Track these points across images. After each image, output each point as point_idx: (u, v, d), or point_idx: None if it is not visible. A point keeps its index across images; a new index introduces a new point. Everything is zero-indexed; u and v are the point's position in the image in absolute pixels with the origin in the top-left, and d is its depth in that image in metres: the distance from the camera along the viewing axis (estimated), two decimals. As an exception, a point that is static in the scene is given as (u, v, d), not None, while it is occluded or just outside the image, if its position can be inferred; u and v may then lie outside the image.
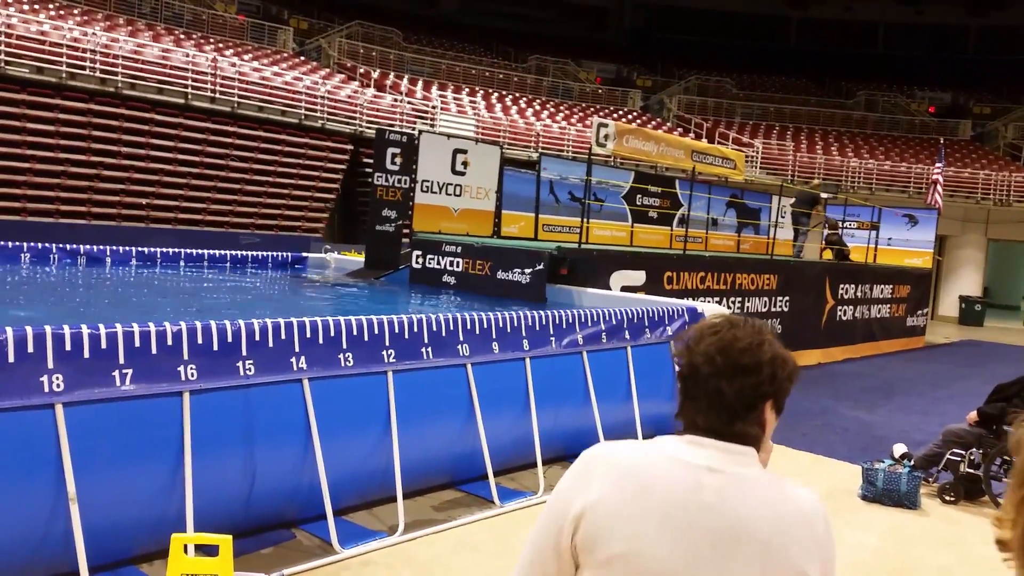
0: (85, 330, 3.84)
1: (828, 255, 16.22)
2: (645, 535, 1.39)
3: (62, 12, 18.23)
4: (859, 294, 14.30)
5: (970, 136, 29.22)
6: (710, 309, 7.86)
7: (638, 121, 26.25)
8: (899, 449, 6.48)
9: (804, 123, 29.69)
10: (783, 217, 16.26)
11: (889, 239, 17.66)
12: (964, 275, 25.05)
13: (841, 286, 13.68)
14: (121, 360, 3.92)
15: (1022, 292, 26.97)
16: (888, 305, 15.50)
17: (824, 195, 16.65)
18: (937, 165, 19.43)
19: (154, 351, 4.03)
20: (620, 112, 27.36)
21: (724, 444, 1.45)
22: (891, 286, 15.57)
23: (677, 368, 1.56)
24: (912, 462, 6.20)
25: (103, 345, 3.88)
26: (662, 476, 1.44)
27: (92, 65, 15.54)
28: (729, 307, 10.45)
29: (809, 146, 27.46)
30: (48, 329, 3.74)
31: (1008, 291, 30.00)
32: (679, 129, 27.20)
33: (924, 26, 33.19)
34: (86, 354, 3.82)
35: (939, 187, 19.04)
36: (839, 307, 13.67)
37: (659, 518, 1.40)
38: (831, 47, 34.00)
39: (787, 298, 12.12)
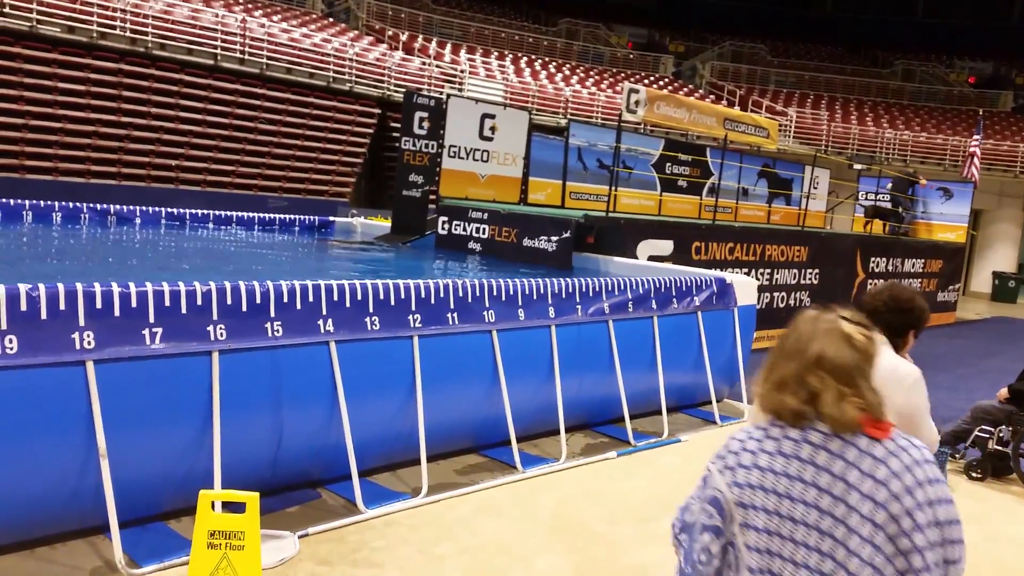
0: (116, 289, 3.88)
1: (876, 228, 16.08)
2: None
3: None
4: (890, 268, 14.10)
5: (1011, 108, 28.48)
6: (739, 280, 7.78)
7: (670, 88, 25.86)
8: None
9: (839, 92, 29.11)
10: (816, 188, 16.04)
11: (923, 212, 17.36)
12: (998, 250, 24.59)
13: (872, 259, 13.48)
14: (151, 319, 3.96)
15: (1057, 269, 26.41)
16: (919, 279, 15.28)
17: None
18: (975, 137, 18.97)
19: (184, 311, 4.06)
20: (651, 78, 26.96)
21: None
22: (923, 260, 15.33)
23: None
24: (940, 437, 6.12)
25: (133, 304, 3.91)
26: None
27: (123, 25, 15.56)
28: (758, 279, 10.35)
29: (844, 116, 26.94)
30: (80, 287, 3.77)
31: (1043, 267, 29.42)
32: (711, 96, 26.79)
33: (966, -7, 32.27)
34: (117, 312, 3.86)
35: (976, 160, 18.61)
36: (870, 280, 13.48)
37: None
38: (868, 14, 33.17)
39: (817, 270, 11.98)
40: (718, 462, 1.82)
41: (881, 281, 13.74)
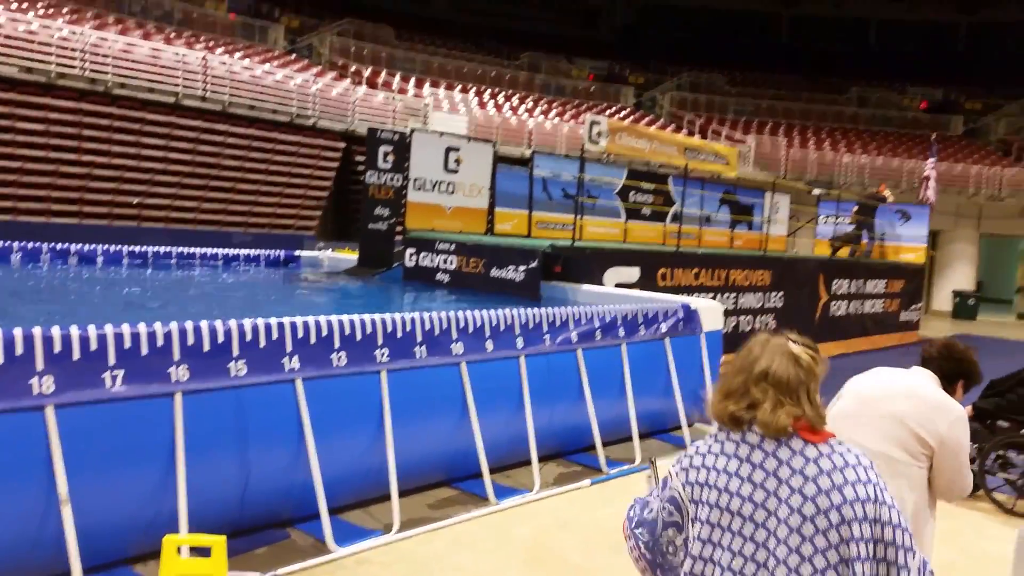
0: (75, 332, 3.81)
1: (843, 253, 16.30)
2: None
3: (51, 10, 18.10)
4: (853, 289, 14.33)
5: (962, 132, 29.29)
6: (704, 305, 7.85)
7: (631, 118, 26.24)
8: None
9: (796, 119, 29.72)
10: (776, 212, 16.29)
11: (883, 235, 17.70)
12: (957, 269, 25.13)
13: (835, 281, 13.70)
14: (112, 361, 3.89)
15: (1014, 286, 27.03)
16: (882, 300, 15.54)
17: (889, 197, 16.82)
18: (929, 160, 19.45)
19: (145, 352, 4.00)
20: (613, 109, 27.34)
21: None
22: (885, 281, 15.60)
23: None
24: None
25: (93, 347, 3.85)
26: None
27: (82, 64, 15.45)
28: (723, 303, 10.45)
29: (802, 142, 27.49)
30: (37, 331, 3.70)
31: (1001, 285, 30.09)
32: (672, 126, 27.21)
33: (915, 22, 33.24)
34: (76, 356, 3.79)
35: (932, 182, 19.06)
36: (833, 302, 13.69)
37: None
38: (823, 43, 34.01)
39: (781, 293, 12.14)
40: (676, 465, 2.02)
41: (845, 302, 14.00)
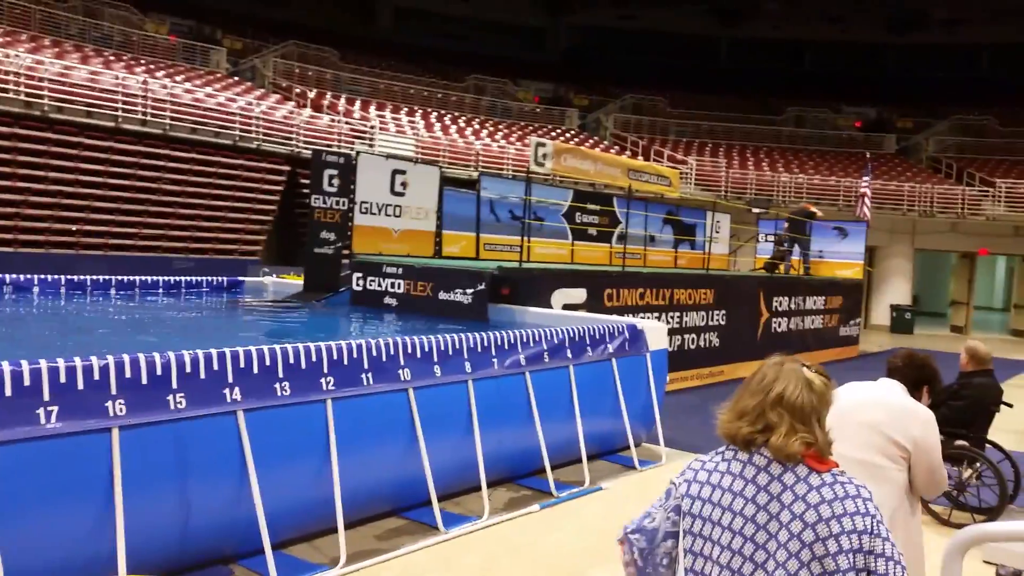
0: (7, 367, 3.69)
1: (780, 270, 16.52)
2: None
3: (-17, 33, 17.65)
4: (793, 306, 14.65)
5: (895, 150, 30.28)
6: (650, 325, 7.95)
7: (576, 140, 26.53)
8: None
9: (736, 140, 30.39)
10: (718, 232, 16.60)
11: (820, 252, 18.16)
12: (894, 284, 25.87)
13: (775, 299, 13.99)
14: (46, 397, 3.78)
15: (948, 299, 27.94)
16: (822, 316, 15.91)
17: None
18: (864, 179, 20.07)
19: (80, 387, 3.89)
20: (558, 131, 27.62)
21: None
22: (824, 297, 15.98)
23: None
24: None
25: (26, 382, 3.73)
26: None
27: (16, 88, 15.06)
28: (668, 322, 10.60)
29: (741, 162, 28.11)
30: (-34, 367, 3.58)
31: (935, 299, 31.08)
32: (615, 147, 27.59)
33: (848, 44, 34.34)
34: (8, 392, 3.67)
35: (867, 200, 19.66)
36: (774, 319, 13.97)
37: None
38: (760, 65, 34.91)
39: (723, 312, 12.35)
40: (679, 477, 2.08)
41: (786, 319, 14.30)
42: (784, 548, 1.86)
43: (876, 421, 3.10)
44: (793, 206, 19.14)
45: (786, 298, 14.36)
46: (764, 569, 1.87)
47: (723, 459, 2.02)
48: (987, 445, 6.39)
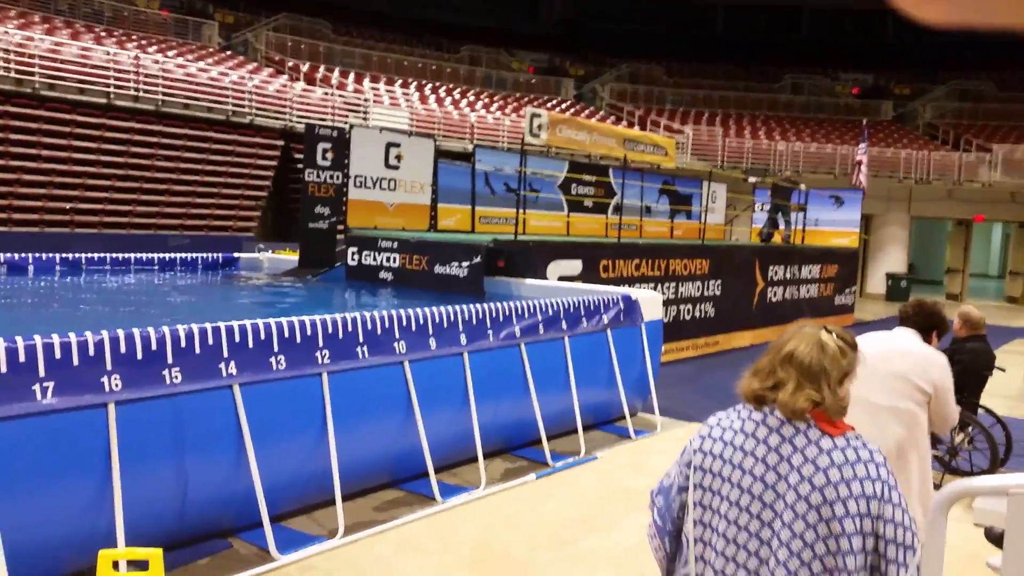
0: (1, 343, 3.70)
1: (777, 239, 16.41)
2: None
3: (-30, 10, 17.47)
4: (788, 275, 14.66)
5: (891, 117, 30.14)
6: (644, 296, 7.97)
7: (572, 110, 26.38)
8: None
9: (732, 108, 30.23)
10: (714, 202, 16.54)
11: (816, 220, 18.13)
12: (890, 252, 25.88)
13: (771, 268, 14.00)
14: (42, 373, 3.79)
15: (944, 267, 27.97)
16: (817, 285, 15.93)
17: (802, 185, 16.88)
18: (861, 146, 19.99)
19: (76, 363, 3.91)
20: (554, 101, 27.45)
21: None
22: (819, 266, 15.99)
23: None
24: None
25: (22, 358, 3.74)
26: None
27: (6, 65, 14.93)
28: (664, 293, 10.61)
29: (737, 131, 27.98)
30: (-40, 345, 3.59)
31: (931, 267, 31.13)
32: (611, 117, 27.43)
33: (846, 10, 34.04)
34: (3, 368, 3.69)
35: (863, 167, 19.60)
36: (769, 288, 13.99)
37: None
38: (757, 33, 34.64)
39: (719, 281, 12.36)
40: (696, 434, 2.10)
41: (781, 288, 14.31)
42: (791, 509, 1.87)
43: (903, 370, 3.35)
44: (793, 175, 19.03)
45: (782, 267, 14.37)
46: (770, 528, 1.90)
47: (738, 416, 2.04)
48: (979, 410, 6.44)
